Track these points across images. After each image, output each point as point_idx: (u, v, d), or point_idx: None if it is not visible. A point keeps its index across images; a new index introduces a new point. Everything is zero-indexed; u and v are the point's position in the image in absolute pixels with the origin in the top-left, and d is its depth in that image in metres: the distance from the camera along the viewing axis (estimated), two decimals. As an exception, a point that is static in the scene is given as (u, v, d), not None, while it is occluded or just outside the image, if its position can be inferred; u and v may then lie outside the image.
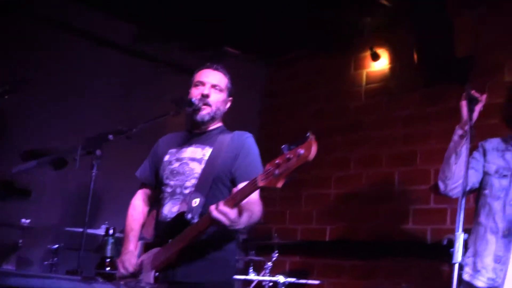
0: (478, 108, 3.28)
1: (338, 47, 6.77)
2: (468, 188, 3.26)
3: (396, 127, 6.13)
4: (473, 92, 3.30)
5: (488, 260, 3.27)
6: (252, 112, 7.41)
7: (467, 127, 3.21)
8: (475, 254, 3.34)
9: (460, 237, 2.72)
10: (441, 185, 3.45)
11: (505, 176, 3.36)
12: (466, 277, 3.31)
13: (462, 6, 5.58)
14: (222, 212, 2.72)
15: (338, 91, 6.79)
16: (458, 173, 3.31)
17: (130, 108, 5.96)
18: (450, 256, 2.71)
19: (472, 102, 3.27)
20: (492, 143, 3.50)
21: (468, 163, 3.05)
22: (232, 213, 2.74)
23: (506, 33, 5.50)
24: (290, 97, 7.31)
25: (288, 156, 2.47)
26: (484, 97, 3.31)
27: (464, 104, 3.29)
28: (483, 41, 5.62)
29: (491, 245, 3.29)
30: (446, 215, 5.47)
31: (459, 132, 3.33)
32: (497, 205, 3.34)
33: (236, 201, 2.75)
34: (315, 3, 5.91)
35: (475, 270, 3.29)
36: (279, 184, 2.53)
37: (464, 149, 3.25)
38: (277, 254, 5.72)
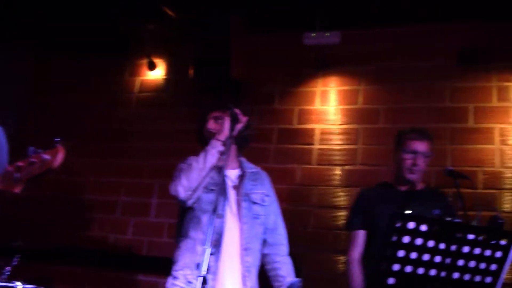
0: (237, 127, 3.48)
1: (115, 51, 6.57)
2: None
3: (163, 139, 6.09)
4: (237, 111, 3.48)
5: (198, 272, 3.30)
6: (13, 103, 6.83)
7: (227, 142, 3.38)
8: (186, 267, 3.41)
9: (207, 252, 2.90)
10: (182, 193, 3.44)
11: (212, 190, 3.49)
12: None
13: (244, 32, 5.75)
14: None
15: (109, 95, 6.56)
16: (199, 186, 3.45)
17: None
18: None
19: (235, 121, 3.45)
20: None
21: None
22: None
23: (278, 63, 5.80)
24: (57, 96, 6.84)
25: (32, 160, 2.24)
26: (245, 119, 3.52)
27: (227, 121, 3.45)
28: (259, 68, 5.86)
29: (201, 257, 3.34)
30: (163, 229, 5.66)
31: (217, 146, 3.45)
32: (205, 218, 3.45)
33: None
34: (96, 3, 5.68)
35: (188, 282, 3.36)
36: (17, 189, 2.24)
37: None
38: (18, 259, 5.33)
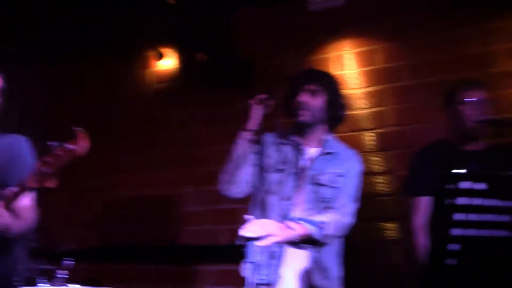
0: (263, 112, 3.33)
1: (121, 45, 6.47)
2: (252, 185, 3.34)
3: (185, 129, 6.04)
4: (265, 97, 3.31)
5: (263, 256, 3.20)
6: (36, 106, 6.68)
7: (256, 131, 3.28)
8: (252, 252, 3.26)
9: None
10: (222, 188, 3.39)
11: (280, 170, 3.35)
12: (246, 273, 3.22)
13: (240, 6, 5.71)
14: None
15: (124, 90, 6.51)
16: (241, 178, 3.33)
17: None
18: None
19: (264, 107, 3.31)
20: (270, 137, 3.49)
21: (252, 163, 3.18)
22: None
23: (286, 33, 5.71)
24: (76, 96, 6.83)
25: (57, 153, 2.41)
26: (272, 103, 3.33)
27: (256, 108, 3.30)
28: (267, 41, 5.74)
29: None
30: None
31: (248, 136, 3.31)
32: (272, 200, 3.30)
33: (6, 203, 2.57)
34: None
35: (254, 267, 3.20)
36: (51, 184, 2.43)
37: (251, 154, 3.30)
38: (70, 261, 5.28)
